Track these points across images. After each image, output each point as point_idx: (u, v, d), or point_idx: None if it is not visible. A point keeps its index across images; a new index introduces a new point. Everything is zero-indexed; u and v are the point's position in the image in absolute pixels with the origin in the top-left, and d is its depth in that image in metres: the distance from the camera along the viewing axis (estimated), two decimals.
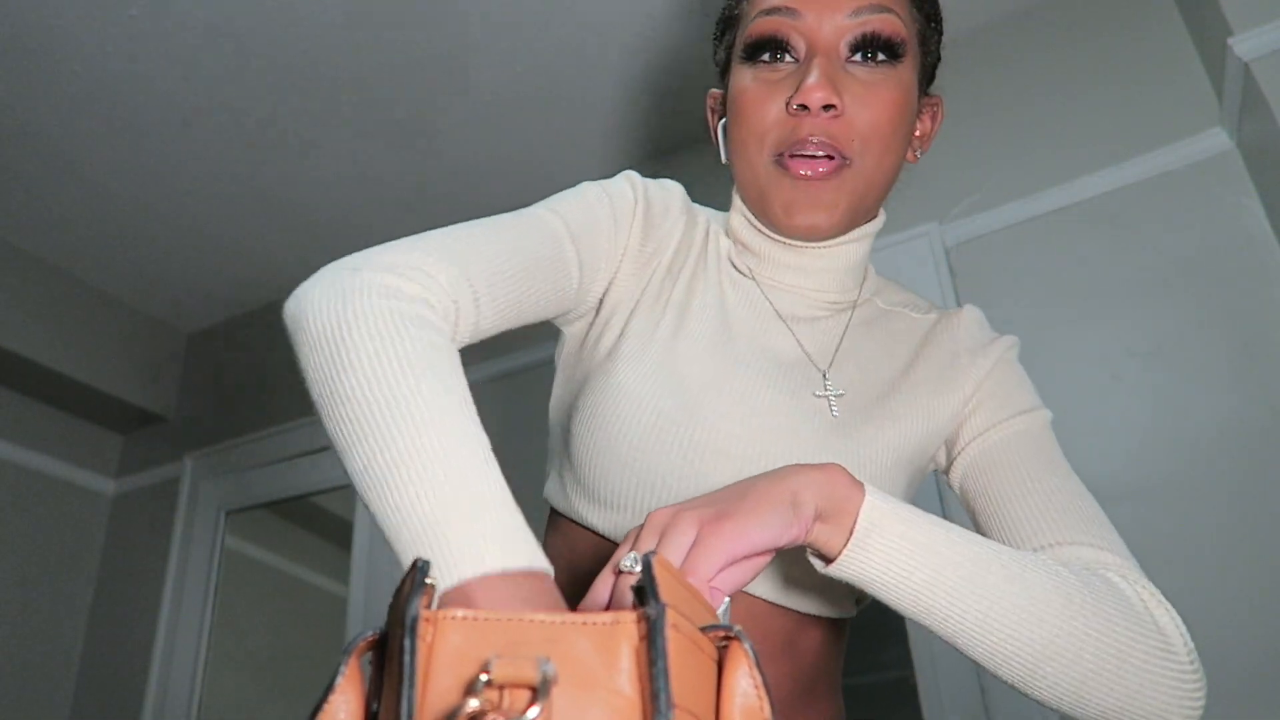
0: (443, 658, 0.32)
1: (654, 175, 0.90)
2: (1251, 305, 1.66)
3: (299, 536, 3.02)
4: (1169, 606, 0.66)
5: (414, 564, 0.34)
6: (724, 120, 0.85)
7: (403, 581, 0.35)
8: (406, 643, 0.31)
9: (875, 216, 0.86)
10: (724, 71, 0.86)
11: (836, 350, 0.84)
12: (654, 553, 0.37)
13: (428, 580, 0.34)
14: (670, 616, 0.34)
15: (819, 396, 0.79)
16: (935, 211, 2.01)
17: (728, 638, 0.38)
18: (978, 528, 0.78)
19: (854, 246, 0.84)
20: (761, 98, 0.77)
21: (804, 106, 0.74)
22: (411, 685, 0.30)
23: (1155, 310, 1.73)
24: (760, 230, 0.84)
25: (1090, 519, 0.72)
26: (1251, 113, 1.63)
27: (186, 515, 2.80)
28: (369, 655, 0.38)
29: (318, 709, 0.35)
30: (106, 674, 2.72)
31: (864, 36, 0.76)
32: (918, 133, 0.85)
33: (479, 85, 2.23)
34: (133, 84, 2.18)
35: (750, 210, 0.84)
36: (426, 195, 2.55)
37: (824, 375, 0.81)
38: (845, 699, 0.83)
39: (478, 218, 0.74)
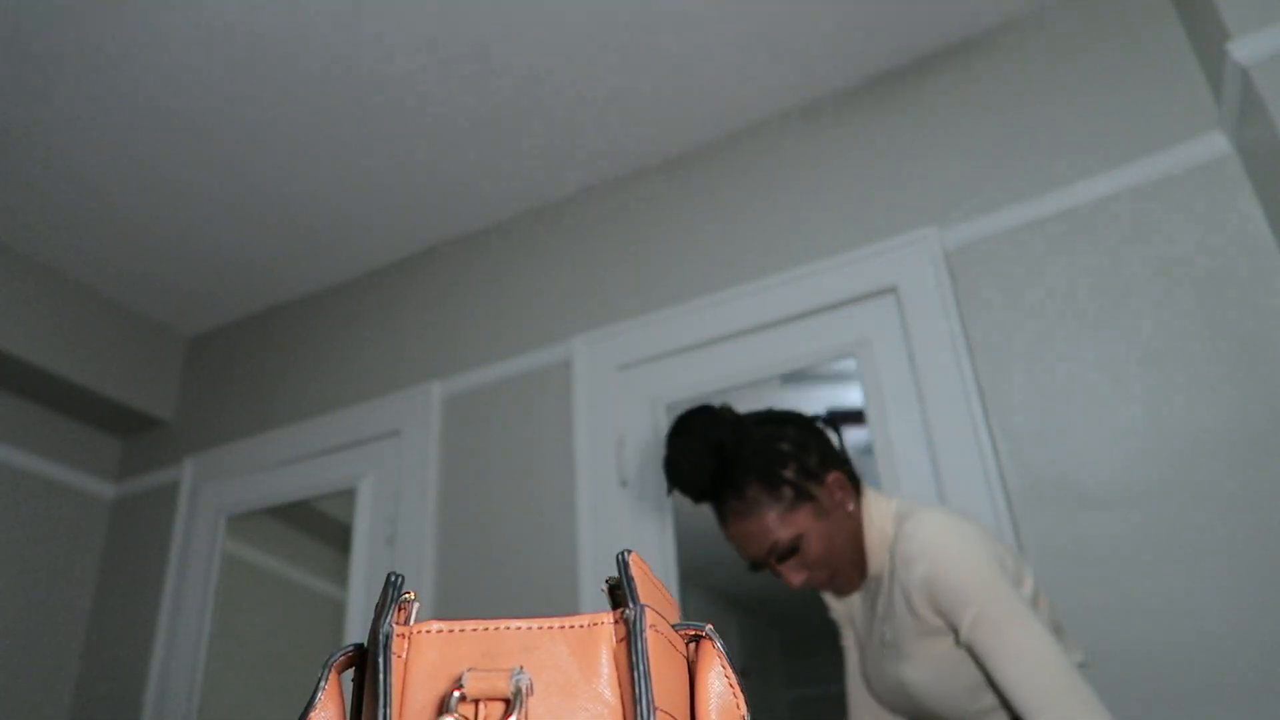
0: (419, 673, 0.32)
1: None
2: (1251, 308, 1.65)
3: (299, 541, 3.02)
4: None
5: (388, 579, 0.34)
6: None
7: (381, 597, 0.35)
8: (380, 660, 0.31)
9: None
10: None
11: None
12: (629, 550, 0.37)
13: (404, 595, 0.34)
14: (649, 617, 0.33)
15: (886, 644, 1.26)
16: (934, 215, 2.01)
17: (697, 636, 0.37)
18: None
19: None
20: None
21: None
22: (387, 704, 0.30)
23: (1155, 314, 1.73)
24: None
25: (1063, 690, 1.04)
26: (1250, 117, 1.63)
27: (186, 519, 2.80)
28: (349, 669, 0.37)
29: None
30: (106, 678, 2.72)
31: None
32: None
33: (481, 93, 2.23)
34: (133, 88, 2.18)
35: None
36: (426, 201, 2.55)
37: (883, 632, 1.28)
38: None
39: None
